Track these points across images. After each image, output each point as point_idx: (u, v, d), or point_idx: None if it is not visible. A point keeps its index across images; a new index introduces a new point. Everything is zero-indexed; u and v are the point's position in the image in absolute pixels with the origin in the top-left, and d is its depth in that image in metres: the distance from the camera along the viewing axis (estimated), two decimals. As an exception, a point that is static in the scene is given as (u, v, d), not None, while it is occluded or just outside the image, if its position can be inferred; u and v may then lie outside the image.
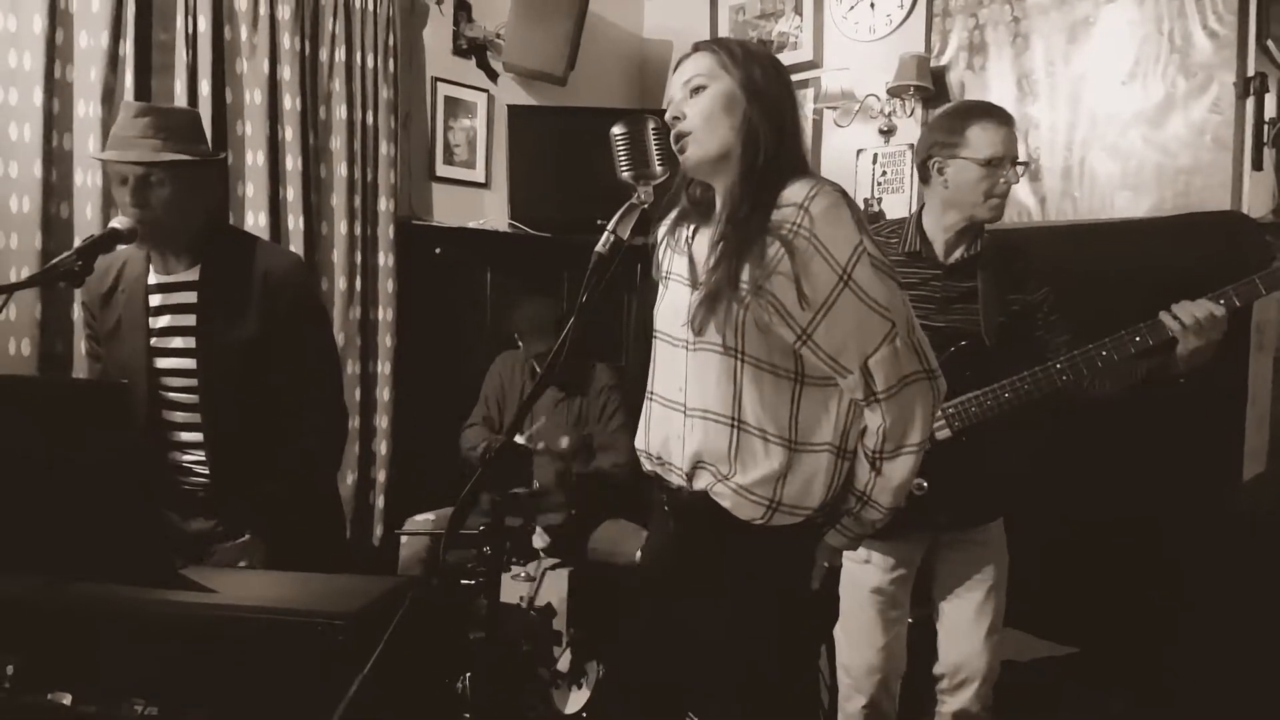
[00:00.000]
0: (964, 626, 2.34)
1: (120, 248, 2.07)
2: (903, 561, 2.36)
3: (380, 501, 3.85)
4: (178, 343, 2.17)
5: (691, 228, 1.76)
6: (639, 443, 1.85)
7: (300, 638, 1.47)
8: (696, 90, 1.62)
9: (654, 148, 1.59)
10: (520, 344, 3.70)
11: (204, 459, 2.20)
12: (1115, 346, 2.15)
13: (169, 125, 2.09)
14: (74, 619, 1.54)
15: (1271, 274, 2.04)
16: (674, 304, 1.74)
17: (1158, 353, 2.15)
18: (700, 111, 1.61)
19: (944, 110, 2.43)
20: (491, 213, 4.36)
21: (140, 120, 2.05)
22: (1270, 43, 3.22)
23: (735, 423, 1.63)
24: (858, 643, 2.40)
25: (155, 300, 2.19)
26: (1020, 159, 2.25)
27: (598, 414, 3.66)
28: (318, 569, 1.91)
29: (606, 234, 1.53)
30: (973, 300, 2.26)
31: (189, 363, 2.16)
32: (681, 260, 1.75)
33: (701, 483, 1.68)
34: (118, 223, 2.02)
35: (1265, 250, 2.90)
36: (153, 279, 2.20)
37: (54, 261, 1.94)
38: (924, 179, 2.33)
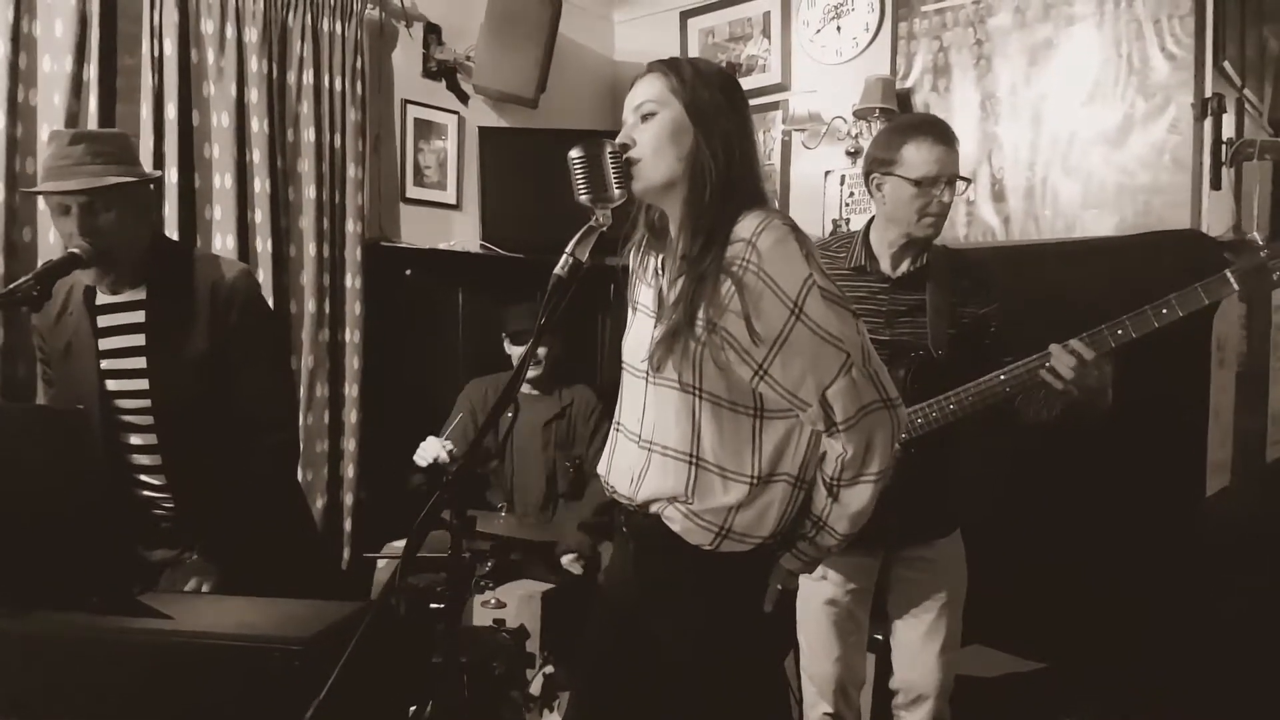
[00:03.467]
0: (916, 644, 2.34)
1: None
2: (855, 576, 2.36)
3: (348, 525, 3.82)
4: (129, 364, 2.15)
5: (660, 258, 1.75)
6: (601, 469, 1.85)
7: (256, 664, 1.46)
8: (647, 116, 1.62)
9: (611, 171, 1.58)
10: (513, 341, 3.69)
11: (164, 484, 2.18)
12: (1027, 372, 2.16)
13: (105, 150, 2.06)
14: (31, 646, 1.53)
15: (1213, 282, 2.03)
16: (638, 336, 1.74)
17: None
18: (649, 139, 1.61)
19: (885, 125, 2.44)
20: (462, 234, 4.36)
21: (75, 148, 2.02)
22: (1227, 64, 3.29)
23: (694, 460, 1.63)
24: (816, 653, 2.40)
25: (104, 322, 2.17)
26: (962, 175, 2.24)
27: (588, 437, 3.66)
28: (290, 586, 1.90)
29: (565, 256, 1.53)
30: (920, 314, 2.26)
31: (141, 384, 2.14)
32: (649, 292, 1.75)
33: (655, 506, 1.68)
34: (76, 248, 2.01)
35: (1224, 268, 2.94)
36: (100, 300, 2.18)
37: (11, 286, 1.93)
38: (869, 193, 2.35)
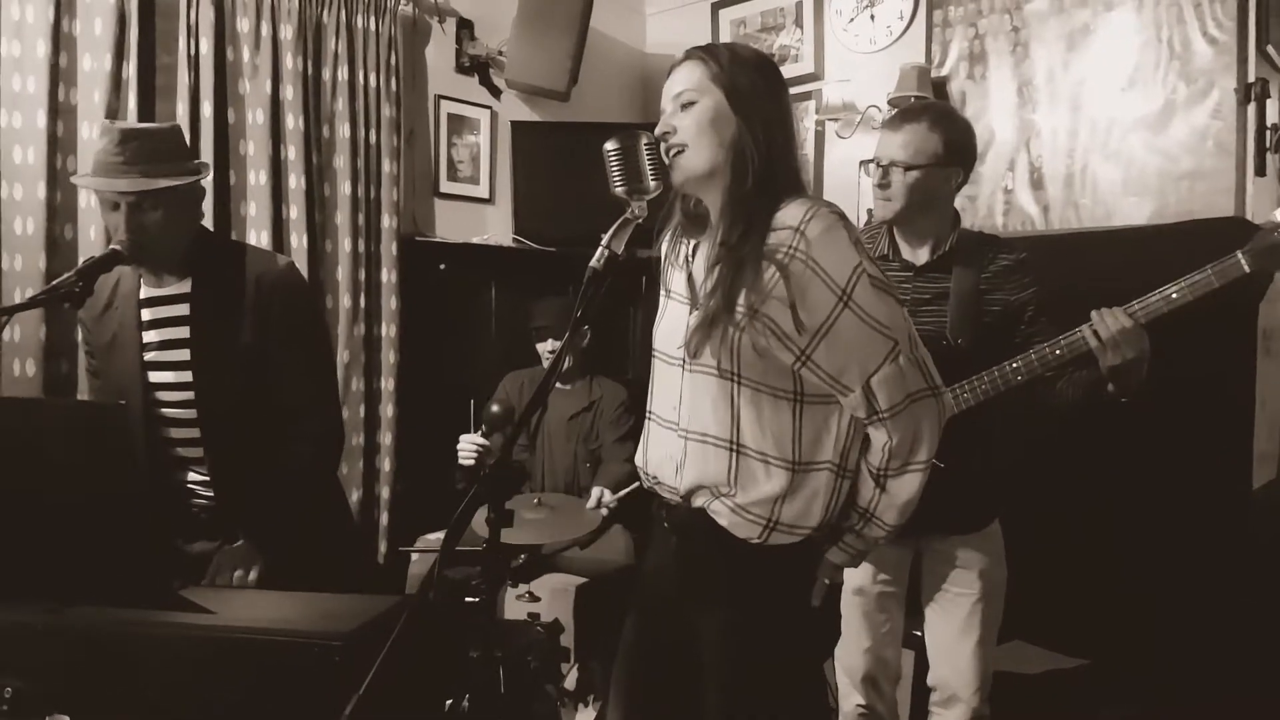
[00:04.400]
0: (949, 639, 2.31)
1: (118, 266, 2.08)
2: (886, 567, 2.34)
3: (385, 518, 3.85)
4: (173, 356, 2.17)
5: (692, 244, 1.75)
6: (639, 460, 1.84)
7: (297, 658, 1.47)
8: (687, 105, 1.62)
9: (647, 163, 1.58)
10: (536, 337, 3.69)
11: (205, 476, 2.20)
12: (1039, 357, 2.11)
13: (155, 148, 2.07)
14: (73, 641, 1.55)
15: (1224, 265, 1.96)
16: (672, 323, 1.73)
17: (1086, 366, 2.09)
18: (690, 127, 1.61)
19: None
20: (495, 228, 4.37)
21: (127, 146, 2.02)
22: (1270, 48, 3.21)
23: (734, 446, 1.62)
24: (846, 644, 2.40)
25: (147, 315, 2.19)
26: (909, 163, 2.20)
27: (610, 431, 3.66)
28: (328, 578, 1.92)
29: (601, 249, 1.53)
30: (945, 301, 2.23)
31: (185, 375, 2.16)
32: (681, 278, 1.74)
33: (699, 500, 1.67)
34: (118, 244, 2.03)
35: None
36: (144, 293, 2.20)
37: (54, 283, 1.95)
38: None
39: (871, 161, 2.27)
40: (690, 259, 1.73)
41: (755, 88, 1.62)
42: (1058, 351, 2.09)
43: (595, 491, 3.39)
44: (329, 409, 2.38)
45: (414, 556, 3.37)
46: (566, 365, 3.63)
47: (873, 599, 2.37)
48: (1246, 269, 1.94)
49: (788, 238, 1.55)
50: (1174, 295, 1.99)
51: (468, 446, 3.21)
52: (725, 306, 1.57)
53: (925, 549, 2.34)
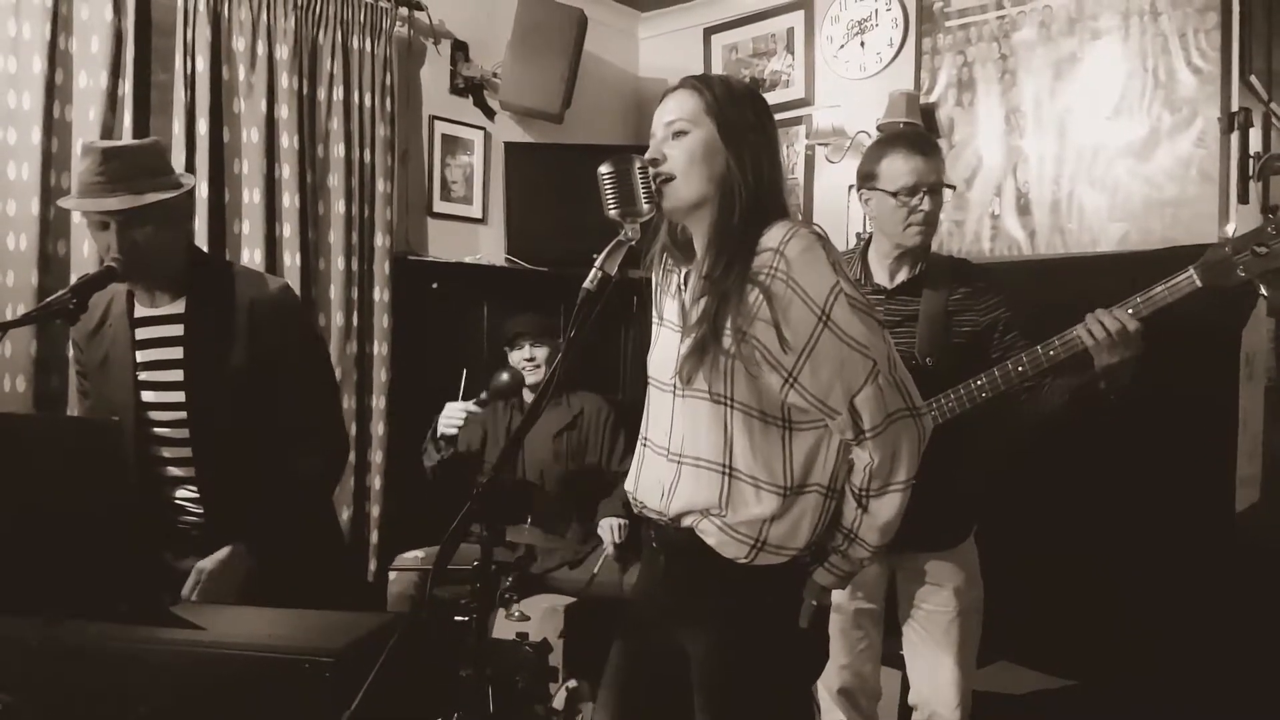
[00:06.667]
0: (927, 657, 2.32)
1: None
2: (862, 585, 2.34)
3: (375, 536, 3.85)
4: (166, 376, 2.16)
5: (683, 271, 1.76)
6: (629, 485, 1.85)
7: (288, 675, 1.46)
8: (678, 134, 1.63)
9: (640, 187, 1.59)
10: (512, 345, 3.64)
11: (196, 495, 2.19)
12: (1030, 361, 2.12)
13: (139, 165, 2.06)
14: (64, 657, 1.54)
15: (1176, 281, 1.99)
16: (665, 350, 1.75)
17: (1077, 370, 2.10)
18: (680, 157, 1.62)
19: (872, 142, 2.46)
20: (488, 248, 4.39)
21: (110, 165, 2.01)
22: (1253, 78, 3.27)
23: (727, 470, 1.63)
24: None
25: (142, 334, 2.19)
26: (947, 183, 2.25)
27: (605, 445, 3.64)
28: (316, 595, 1.91)
29: (594, 271, 1.55)
30: (914, 323, 2.25)
31: (177, 396, 2.15)
32: (674, 305, 1.76)
33: (688, 520, 1.68)
34: (113, 261, 2.03)
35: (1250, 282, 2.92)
36: (138, 312, 2.20)
37: (48, 299, 1.95)
38: (862, 207, 2.39)
39: (897, 192, 2.23)
40: (682, 287, 1.75)
41: (746, 121, 1.63)
42: (1051, 352, 2.10)
43: (605, 526, 3.38)
44: (335, 425, 2.38)
45: (392, 575, 3.36)
46: (537, 381, 3.58)
47: (849, 616, 2.38)
48: (1198, 284, 1.97)
49: (769, 259, 1.57)
50: (1129, 311, 2.02)
51: (455, 414, 3.10)
52: (713, 335, 1.59)
53: (900, 566, 2.35)
